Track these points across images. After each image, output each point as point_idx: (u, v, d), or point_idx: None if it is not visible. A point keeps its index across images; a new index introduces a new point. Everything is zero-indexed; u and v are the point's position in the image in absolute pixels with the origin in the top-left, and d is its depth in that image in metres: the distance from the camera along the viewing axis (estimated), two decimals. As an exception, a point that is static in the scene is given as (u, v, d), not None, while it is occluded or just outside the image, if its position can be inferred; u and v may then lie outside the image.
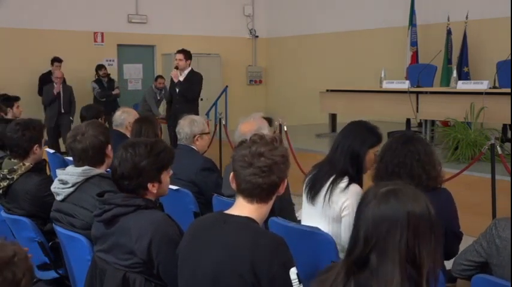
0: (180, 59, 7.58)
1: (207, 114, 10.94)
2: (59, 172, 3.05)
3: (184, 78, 7.59)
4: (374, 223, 1.55)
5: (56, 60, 9.94)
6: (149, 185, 2.46)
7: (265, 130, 3.52)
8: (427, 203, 1.59)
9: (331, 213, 2.90)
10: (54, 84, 9.54)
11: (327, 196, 2.90)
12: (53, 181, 3.24)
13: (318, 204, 2.96)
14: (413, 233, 1.54)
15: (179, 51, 7.65)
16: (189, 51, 7.75)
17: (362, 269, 1.55)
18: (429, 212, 1.58)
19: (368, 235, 1.55)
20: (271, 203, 2.14)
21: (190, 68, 7.70)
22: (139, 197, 2.44)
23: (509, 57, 7.18)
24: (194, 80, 7.63)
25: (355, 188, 2.89)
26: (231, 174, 2.14)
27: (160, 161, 2.49)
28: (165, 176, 2.54)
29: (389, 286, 1.49)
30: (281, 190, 2.14)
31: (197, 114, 7.49)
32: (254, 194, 2.08)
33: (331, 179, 2.92)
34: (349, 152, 2.92)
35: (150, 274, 2.35)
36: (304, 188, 3.07)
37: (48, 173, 4.77)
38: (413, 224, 1.54)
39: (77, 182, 2.94)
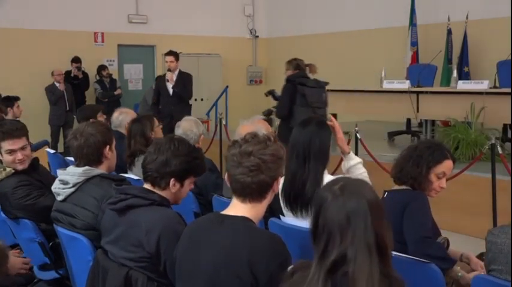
0: (171, 61, 7.72)
1: (208, 114, 10.96)
2: (59, 172, 3.05)
3: (176, 80, 7.71)
4: (346, 219, 1.60)
5: (73, 60, 10.16)
6: (172, 181, 2.49)
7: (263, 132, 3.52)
8: (373, 189, 1.70)
9: None
10: (55, 83, 9.61)
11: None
12: (37, 183, 3.26)
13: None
14: (376, 219, 1.62)
15: (170, 54, 7.78)
16: (177, 53, 7.92)
17: (337, 268, 1.58)
18: (377, 196, 1.69)
19: (343, 231, 1.59)
20: (266, 202, 2.12)
21: (178, 69, 7.81)
22: (156, 193, 2.48)
23: (510, 57, 7.18)
24: (186, 81, 7.79)
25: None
26: (226, 174, 2.15)
27: (192, 165, 2.55)
28: (188, 184, 2.57)
29: (373, 276, 1.55)
30: (276, 188, 2.13)
31: (189, 114, 7.67)
32: (245, 193, 2.08)
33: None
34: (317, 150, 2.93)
35: (154, 270, 2.36)
36: (291, 208, 2.97)
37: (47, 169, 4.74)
38: (374, 209, 1.63)
39: (78, 183, 2.94)
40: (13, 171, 3.38)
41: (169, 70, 7.72)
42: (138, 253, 2.35)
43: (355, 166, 3.16)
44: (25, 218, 3.26)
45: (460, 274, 2.66)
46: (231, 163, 2.08)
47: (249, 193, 2.07)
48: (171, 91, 7.70)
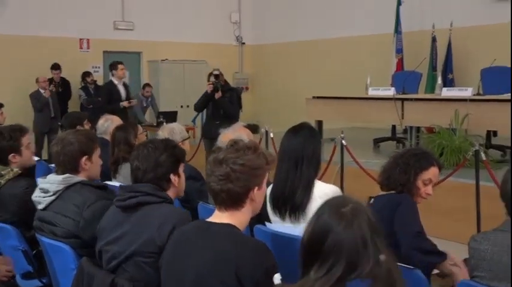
0: (125, 69, 8.71)
1: (193, 121, 10.92)
2: (40, 180, 3.01)
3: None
4: (363, 243, 1.59)
5: (52, 67, 10.15)
6: (171, 177, 2.57)
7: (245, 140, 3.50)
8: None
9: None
10: (40, 90, 9.52)
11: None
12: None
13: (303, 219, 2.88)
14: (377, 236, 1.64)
15: (122, 63, 8.70)
16: None
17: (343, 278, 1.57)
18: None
19: (358, 253, 1.58)
20: (246, 210, 2.10)
21: None
22: (165, 192, 2.54)
23: (493, 64, 7.26)
24: (128, 88, 8.86)
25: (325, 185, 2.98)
26: None
27: (176, 153, 2.64)
28: (181, 171, 2.66)
29: None
30: (255, 198, 2.10)
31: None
32: (218, 201, 2.08)
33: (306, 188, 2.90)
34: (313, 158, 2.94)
35: (157, 268, 2.34)
36: (280, 213, 2.98)
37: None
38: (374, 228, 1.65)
39: (58, 190, 2.91)
40: (20, 172, 3.41)
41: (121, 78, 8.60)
42: (147, 248, 2.35)
43: None
44: (23, 220, 3.22)
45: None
46: (207, 170, 2.09)
47: (222, 201, 2.07)
48: (123, 96, 8.49)
